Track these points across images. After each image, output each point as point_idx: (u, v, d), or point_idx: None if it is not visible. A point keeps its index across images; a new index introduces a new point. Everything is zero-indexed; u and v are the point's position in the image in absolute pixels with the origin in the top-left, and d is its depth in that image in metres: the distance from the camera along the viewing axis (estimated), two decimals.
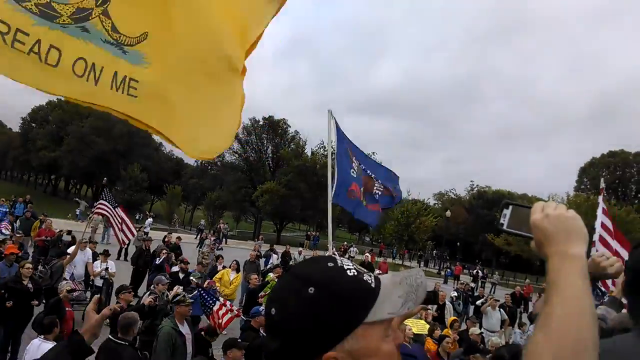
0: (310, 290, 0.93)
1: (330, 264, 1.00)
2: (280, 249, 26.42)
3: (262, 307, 8.07)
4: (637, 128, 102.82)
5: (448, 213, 48.91)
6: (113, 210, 11.45)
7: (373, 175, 6.53)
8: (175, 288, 8.07)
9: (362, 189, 6.27)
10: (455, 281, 32.84)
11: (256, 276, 12.29)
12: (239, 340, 6.63)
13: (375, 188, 6.46)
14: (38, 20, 2.24)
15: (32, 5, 2.23)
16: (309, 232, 52.46)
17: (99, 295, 3.53)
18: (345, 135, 6.39)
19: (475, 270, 37.89)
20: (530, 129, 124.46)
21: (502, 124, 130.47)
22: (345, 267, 1.00)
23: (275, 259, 21.77)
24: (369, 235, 67.62)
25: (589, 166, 65.59)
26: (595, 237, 6.27)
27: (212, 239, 25.93)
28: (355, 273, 1.00)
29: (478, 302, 15.20)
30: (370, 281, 1.01)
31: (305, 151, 61.22)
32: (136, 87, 2.65)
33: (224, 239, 35.99)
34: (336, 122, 6.08)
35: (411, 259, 52.15)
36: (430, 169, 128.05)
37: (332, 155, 6.09)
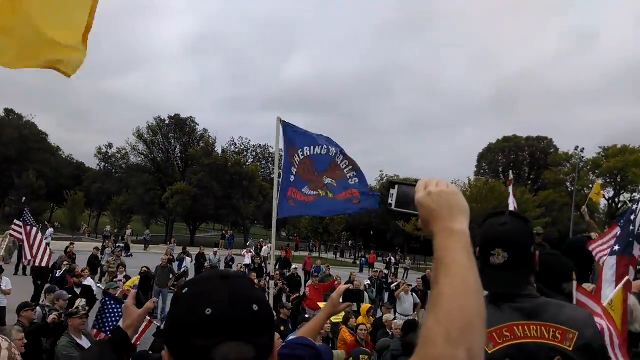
0: (255, 307, 0.94)
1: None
2: (194, 250, 25.74)
3: None
4: (530, 114, 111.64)
5: None
6: (28, 232, 10.37)
7: (340, 162, 6.20)
8: (78, 301, 7.58)
9: (315, 183, 5.95)
10: (370, 269, 33.89)
11: None
12: (150, 352, 6.39)
13: (346, 172, 6.12)
14: None
15: None
16: (224, 232, 51.61)
17: (136, 290, 3.26)
18: (302, 131, 6.16)
19: (388, 258, 39.30)
20: (437, 120, 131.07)
21: (411, 115, 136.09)
22: None
23: (188, 262, 21.18)
24: (284, 230, 67.85)
25: (486, 152, 70.13)
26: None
27: (112, 246, 24.44)
28: None
29: (393, 286, 15.68)
30: None
31: (216, 149, 60.13)
32: None
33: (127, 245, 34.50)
34: (288, 126, 5.92)
35: (327, 250, 53.06)
36: None
37: (279, 165, 5.92)
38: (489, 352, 1.72)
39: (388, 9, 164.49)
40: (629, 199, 54.45)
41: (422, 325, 0.95)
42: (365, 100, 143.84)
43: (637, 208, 4.23)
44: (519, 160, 68.28)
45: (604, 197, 51.02)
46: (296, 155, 5.91)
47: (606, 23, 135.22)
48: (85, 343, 6.28)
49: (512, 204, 7.27)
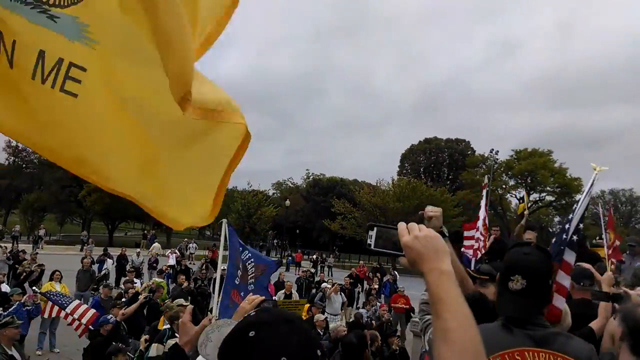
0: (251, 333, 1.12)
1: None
2: (115, 251, 24.59)
3: (111, 316, 7.63)
4: (452, 118, 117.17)
5: (288, 202, 50.30)
6: None
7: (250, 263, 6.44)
8: None
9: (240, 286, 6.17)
10: (297, 268, 34.06)
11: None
12: None
13: (249, 278, 6.36)
14: None
15: None
16: (145, 231, 49.75)
17: (192, 306, 3.15)
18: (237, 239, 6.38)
19: (314, 256, 39.67)
20: (365, 121, 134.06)
21: (340, 116, 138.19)
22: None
23: (110, 264, 20.25)
24: (209, 229, 66.53)
25: (409, 152, 72.64)
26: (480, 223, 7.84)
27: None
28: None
29: (324, 285, 15.66)
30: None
31: None
32: (80, 78, 1.72)
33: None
34: (231, 230, 5.94)
35: (254, 248, 52.61)
36: (272, 160, 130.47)
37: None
38: None
39: (324, 12, 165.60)
40: (537, 198, 58.60)
41: (435, 357, 1.12)
42: (296, 100, 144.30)
43: (572, 217, 4.47)
44: (439, 161, 71.32)
45: (515, 197, 54.47)
46: (240, 260, 6.12)
47: (531, 33, 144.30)
48: (15, 353, 6.15)
49: (482, 210, 8.02)
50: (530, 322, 1.92)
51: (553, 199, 57.53)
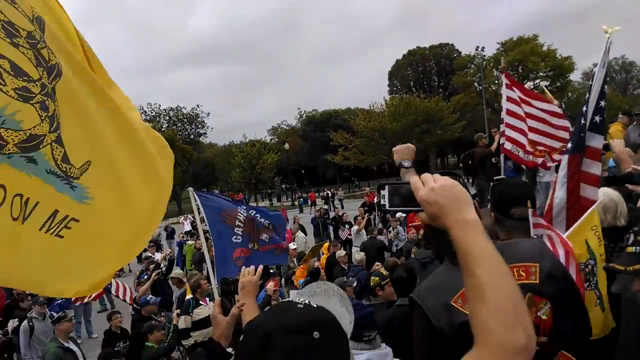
0: (316, 335, 0.99)
1: (300, 305, 1.08)
2: None
3: (150, 296, 7.78)
4: (434, 24, 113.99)
5: (286, 145, 50.26)
6: None
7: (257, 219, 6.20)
8: None
9: (250, 239, 5.99)
10: (312, 207, 34.44)
11: None
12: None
13: (262, 235, 6.14)
14: None
15: None
16: None
17: (221, 297, 3.17)
18: (215, 197, 6.11)
19: (324, 192, 40.08)
20: (348, 47, 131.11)
21: (322, 48, 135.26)
22: (307, 302, 1.10)
23: None
24: (217, 187, 67.01)
25: (395, 69, 71.47)
26: (503, 114, 6.59)
27: None
28: (315, 304, 1.11)
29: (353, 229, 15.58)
30: (320, 305, 1.12)
31: None
32: (72, 226, 2.23)
33: None
34: (201, 196, 5.67)
35: (263, 198, 53.20)
36: (263, 107, 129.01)
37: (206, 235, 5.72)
38: (465, 311, 1.68)
39: None
40: (531, 86, 57.99)
41: (472, 317, 1.03)
42: (277, 41, 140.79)
43: (588, 97, 4.12)
44: (427, 71, 70.26)
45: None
46: (238, 214, 5.85)
47: None
48: (72, 346, 6.53)
49: (504, 101, 6.64)
50: None
51: (547, 83, 56.85)
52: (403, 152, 2.32)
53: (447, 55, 67.85)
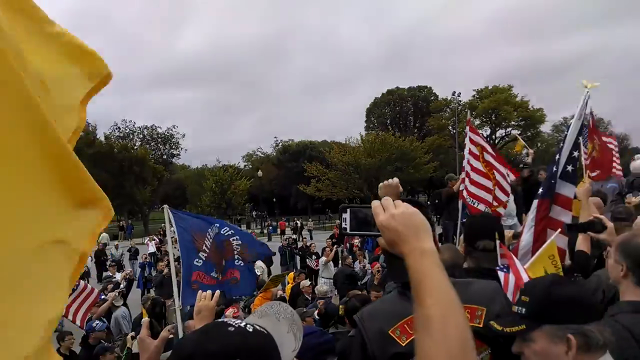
0: None
1: (230, 328, 1.03)
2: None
3: (97, 322, 7.44)
4: (415, 67, 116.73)
5: (260, 173, 50.09)
6: None
7: (233, 239, 6.09)
8: None
9: (215, 263, 5.84)
10: (281, 236, 34.13)
11: None
12: None
13: (235, 253, 6.01)
14: None
15: None
16: (121, 223, 49.04)
17: (148, 319, 2.92)
18: (189, 217, 6.00)
19: (294, 222, 39.87)
20: (331, 80, 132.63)
21: (306, 77, 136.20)
22: (242, 325, 1.06)
23: (88, 262, 19.91)
24: (186, 209, 65.94)
25: (373, 106, 72.56)
26: (464, 163, 6.66)
27: None
28: (252, 327, 1.06)
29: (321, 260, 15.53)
30: (262, 329, 1.08)
31: (98, 137, 56.27)
32: None
33: None
34: (176, 214, 5.57)
35: (233, 223, 52.54)
36: (240, 132, 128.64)
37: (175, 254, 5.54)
38: (403, 344, 1.70)
39: None
40: (503, 134, 59.66)
41: (417, 347, 1.00)
42: (262, 66, 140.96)
43: (562, 146, 4.19)
44: (404, 111, 71.55)
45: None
46: (206, 239, 5.75)
47: None
48: None
49: (467, 147, 6.76)
50: None
51: (519, 132, 58.58)
52: (387, 189, 2.36)
53: (425, 98, 69.37)
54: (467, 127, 7.03)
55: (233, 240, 6.03)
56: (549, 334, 1.53)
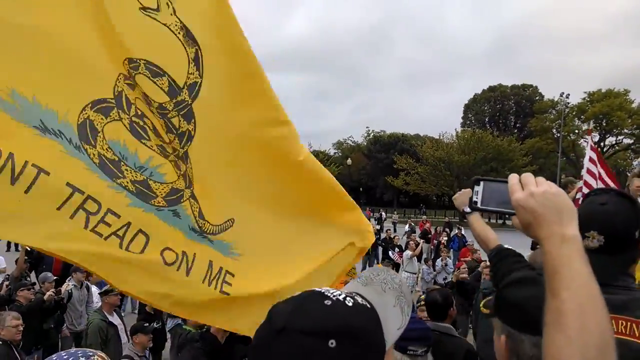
0: (332, 343, 0.83)
1: (327, 302, 0.89)
2: None
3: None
4: (526, 62, 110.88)
5: (349, 161, 50.25)
6: None
7: None
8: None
9: None
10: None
11: None
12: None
13: None
14: (134, 200, 2.11)
15: (128, 182, 2.09)
16: None
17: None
18: None
19: (379, 213, 39.69)
20: (433, 71, 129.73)
21: (408, 67, 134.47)
22: (341, 298, 0.92)
23: None
24: None
25: (472, 102, 70.02)
26: (584, 172, 6.51)
27: None
28: (352, 300, 0.92)
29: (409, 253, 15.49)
30: (365, 303, 0.94)
31: None
32: (231, 282, 2.43)
33: None
34: None
35: None
36: (336, 119, 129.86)
37: None
38: None
39: None
40: (613, 142, 55.19)
41: (546, 345, 0.90)
42: (363, 54, 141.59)
43: None
44: (504, 109, 68.37)
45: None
46: None
47: None
48: (115, 320, 6.47)
49: (587, 154, 6.82)
50: (612, 284, 1.60)
51: (631, 141, 53.77)
52: (462, 198, 2.31)
53: (529, 97, 65.74)
54: (589, 137, 7.24)
55: None
56: None
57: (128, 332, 6.22)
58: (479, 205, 1.18)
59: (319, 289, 0.95)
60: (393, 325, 0.95)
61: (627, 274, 1.66)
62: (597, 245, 1.62)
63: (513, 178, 1.07)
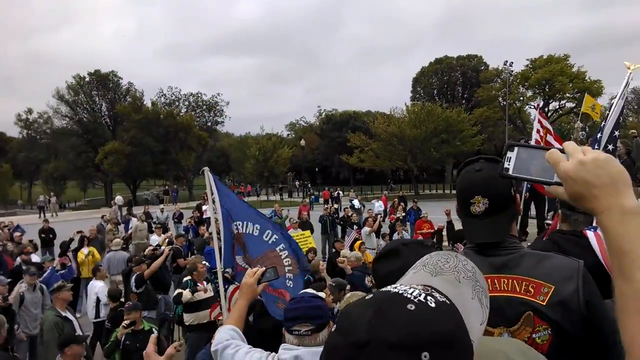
0: (425, 356, 0.70)
1: (410, 306, 0.75)
2: (138, 210, 24.77)
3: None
4: (474, 34, 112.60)
5: (302, 142, 49.90)
6: None
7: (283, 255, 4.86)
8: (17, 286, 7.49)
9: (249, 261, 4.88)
10: (325, 205, 33.99)
11: None
12: None
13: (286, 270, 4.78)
14: None
15: None
16: (167, 187, 50.27)
17: (156, 335, 3.05)
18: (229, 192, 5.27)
19: (335, 192, 39.73)
20: (384, 48, 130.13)
21: (357, 47, 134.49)
22: (422, 298, 0.77)
23: (134, 222, 20.36)
24: (228, 177, 66.92)
25: (420, 75, 70.65)
26: (532, 143, 7.07)
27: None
28: (433, 300, 0.77)
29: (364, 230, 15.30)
30: (445, 299, 0.79)
31: (145, 102, 57.42)
32: None
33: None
34: (214, 179, 4.97)
35: (274, 192, 52.97)
36: (289, 102, 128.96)
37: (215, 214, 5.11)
38: None
39: None
40: (557, 107, 57.08)
41: (625, 332, 0.83)
42: (315, 35, 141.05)
43: (604, 125, 4.19)
44: (451, 81, 69.44)
45: (533, 107, 53.07)
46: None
47: None
48: (69, 315, 6.64)
49: (535, 127, 7.28)
50: (500, 245, 1.70)
51: (573, 105, 55.72)
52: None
53: (474, 67, 66.93)
54: (537, 111, 7.78)
55: (280, 252, 4.85)
56: None
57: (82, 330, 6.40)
58: (510, 172, 1.05)
59: (394, 289, 0.80)
60: (475, 320, 0.82)
61: (510, 232, 1.77)
62: (484, 209, 1.71)
63: (553, 150, 0.96)
